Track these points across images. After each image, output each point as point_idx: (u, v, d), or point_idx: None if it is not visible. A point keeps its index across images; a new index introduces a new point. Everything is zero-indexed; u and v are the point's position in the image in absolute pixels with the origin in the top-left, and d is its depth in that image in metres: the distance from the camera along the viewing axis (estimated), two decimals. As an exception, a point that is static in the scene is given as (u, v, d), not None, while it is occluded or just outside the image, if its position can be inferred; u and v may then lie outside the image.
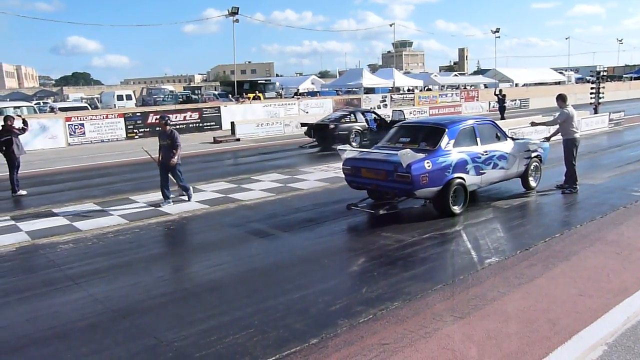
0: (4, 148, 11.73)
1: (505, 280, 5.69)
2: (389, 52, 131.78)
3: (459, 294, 5.36)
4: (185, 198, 10.29)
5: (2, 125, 11.99)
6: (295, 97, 37.18)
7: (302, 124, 19.64)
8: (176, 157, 9.89)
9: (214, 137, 22.43)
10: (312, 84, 55.36)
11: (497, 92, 27.87)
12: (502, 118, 24.76)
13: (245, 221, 8.78)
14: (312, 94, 44.42)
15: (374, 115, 18.88)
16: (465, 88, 47.15)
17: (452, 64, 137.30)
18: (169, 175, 10.08)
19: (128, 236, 8.03)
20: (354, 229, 8.08)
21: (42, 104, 38.35)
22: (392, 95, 36.03)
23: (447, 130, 8.45)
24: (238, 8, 36.26)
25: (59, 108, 29.38)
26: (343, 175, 10.59)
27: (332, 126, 17.71)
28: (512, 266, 6.11)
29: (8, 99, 41.61)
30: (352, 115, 18.50)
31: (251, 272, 6.35)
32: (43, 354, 4.56)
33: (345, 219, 8.55)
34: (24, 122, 12.41)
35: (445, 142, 8.30)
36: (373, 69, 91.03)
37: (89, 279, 6.25)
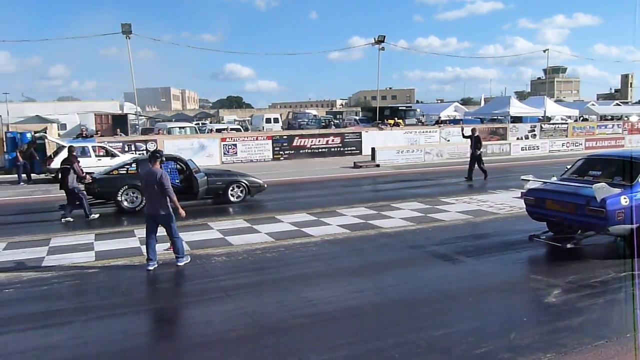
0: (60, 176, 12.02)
1: (684, 344, 4.96)
2: (538, 78, 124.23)
3: (624, 355, 4.78)
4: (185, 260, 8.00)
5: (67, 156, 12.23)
6: (437, 124, 36.60)
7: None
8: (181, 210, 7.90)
9: (354, 162, 22.90)
10: (455, 111, 54.13)
11: (470, 134, 17.79)
12: (482, 169, 17.22)
13: (385, 250, 8.78)
14: (455, 121, 43.34)
15: (177, 166, 13.13)
16: (629, 119, 42.63)
17: (612, 91, 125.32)
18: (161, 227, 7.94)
19: (274, 254, 8.46)
20: (501, 268, 7.63)
21: (201, 124, 42.33)
22: (542, 125, 33.83)
23: None
24: (384, 36, 36.85)
25: (215, 129, 32.23)
26: (490, 208, 10.03)
27: (87, 180, 12.35)
28: (692, 329, 5.31)
29: (173, 120, 46.71)
30: (134, 165, 12.97)
31: (391, 302, 6.30)
32: (200, 359, 4.94)
33: (491, 256, 8.14)
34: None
35: None
36: (520, 96, 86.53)
37: (239, 292, 6.68)
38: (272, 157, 25.58)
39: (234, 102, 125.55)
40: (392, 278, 7.28)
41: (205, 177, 13.02)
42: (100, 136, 27.69)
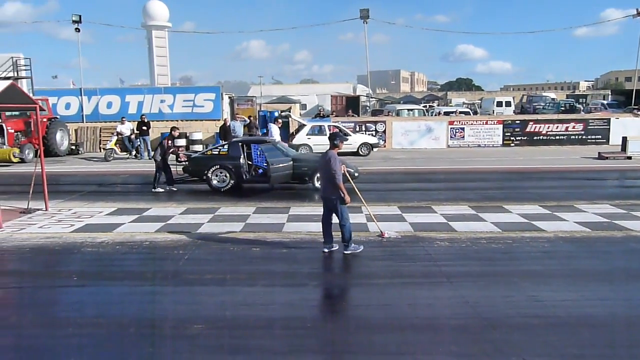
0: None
1: None
2: None
3: None
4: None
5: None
6: None
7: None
8: (347, 197, 7.44)
9: (598, 152, 20.24)
10: None
11: None
12: None
13: (636, 256, 7.58)
14: None
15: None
16: None
17: None
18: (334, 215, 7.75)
19: (500, 245, 8.00)
20: None
21: (428, 107, 42.29)
22: None
23: None
24: (649, 6, 31.37)
25: (443, 112, 31.84)
26: None
27: (182, 159, 13.95)
28: None
29: (402, 102, 47.67)
30: (226, 146, 13.77)
31: (641, 318, 5.41)
32: (420, 340, 4.97)
33: None
34: None
35: None
36: None
37: (461, 280, 6.51)
38: (501, 142, 24.23)
39: (463, 85, 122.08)
40: (642, 290, 6.25)
41: (290, 163, 12.85)
42: (335, 116, 29.79)
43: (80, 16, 33.67)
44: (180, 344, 4.91)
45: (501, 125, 24.41)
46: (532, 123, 24.60)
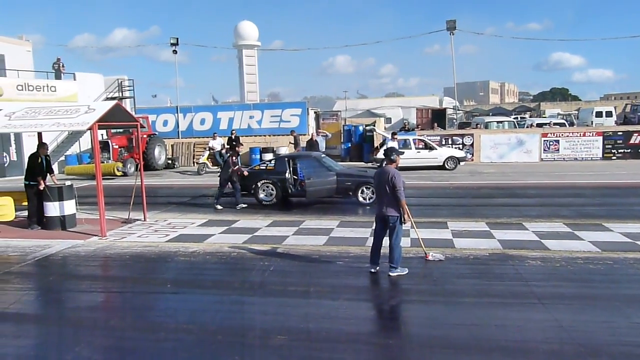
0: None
1: None
2: None
3: None
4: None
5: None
6: None
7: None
8: (406, 215, 7.18)
9: None
10: None
11: None
12: None
13: None
14: None
15: (315, 163, 13.56)
16: None
17: None
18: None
19: (599, 266, 7.46)
20: None
21: (519, 118, 40.50)
22: None
23: None
24: None
25: (536, 124, 30.36)
26: None
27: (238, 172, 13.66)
28: None
29: (490, 114, 46.06)
30: (273, 161, 14.29)
31: None
32: (508, 365, 4.74)
33: None
34: None
35: None
36: None
37: (554, 302, 6.13)
38: (601, 155, 22.71)
39: (558, 95, 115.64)
40: None
41: (334, 177, 12.95)
42: (421, 130, 29.36)
43: (177, 39, 35.91)
44: (264, 354, 5.04)
45: (601, 137, 22.90)
46: (636, 134, 22.86)
